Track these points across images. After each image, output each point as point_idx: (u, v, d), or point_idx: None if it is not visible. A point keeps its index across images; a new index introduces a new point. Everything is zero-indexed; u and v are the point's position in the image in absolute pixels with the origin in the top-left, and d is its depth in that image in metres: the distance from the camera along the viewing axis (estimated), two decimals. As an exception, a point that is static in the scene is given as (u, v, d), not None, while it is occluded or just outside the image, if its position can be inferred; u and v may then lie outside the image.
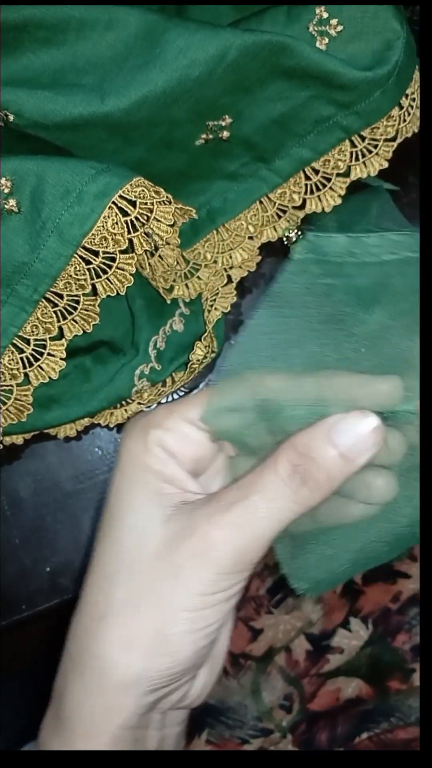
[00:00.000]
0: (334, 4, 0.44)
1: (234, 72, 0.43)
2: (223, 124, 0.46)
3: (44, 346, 0.45)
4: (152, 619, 0.34)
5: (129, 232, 0.42)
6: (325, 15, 0.44)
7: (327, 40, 0.44)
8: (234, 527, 0.33)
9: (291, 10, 0.44)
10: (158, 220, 0.43)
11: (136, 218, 0.42)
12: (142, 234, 0.43)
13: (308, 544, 0.38)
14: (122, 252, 0.43)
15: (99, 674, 0.34)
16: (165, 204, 0.43)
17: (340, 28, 0.44)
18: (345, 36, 0.44)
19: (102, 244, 0.42)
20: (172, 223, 0.43)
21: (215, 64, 0.42)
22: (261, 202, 0.51)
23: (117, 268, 0.43)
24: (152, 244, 0.44)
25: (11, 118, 0.42)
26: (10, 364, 0.45)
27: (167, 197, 0.43)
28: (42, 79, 0.43)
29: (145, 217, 0.42)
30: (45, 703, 0.41)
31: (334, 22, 0.44)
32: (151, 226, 0.43)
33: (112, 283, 0.44)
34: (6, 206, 0.42)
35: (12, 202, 0.42)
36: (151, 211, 0.42)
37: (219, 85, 0.43)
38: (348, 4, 0.44)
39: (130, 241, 0.42)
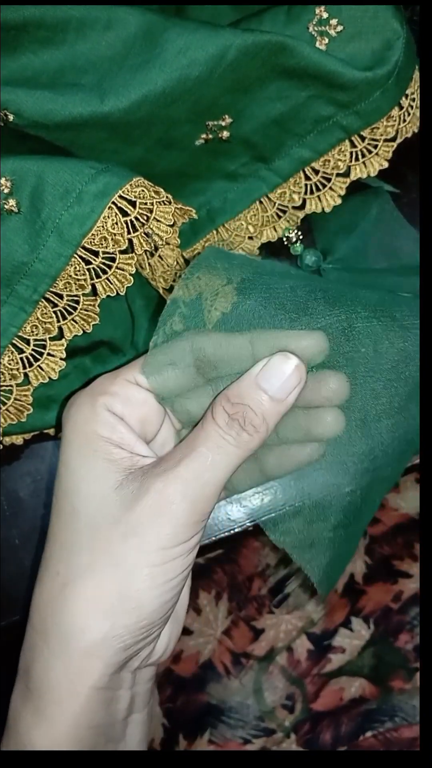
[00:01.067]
0: (334, 4, 0.44)
1: (234, 72, 0.43)
2: (223, 123, 0.46)
3: (44, 347, 0.45)
4: (116, 580, 0.35)
5: (129, 232, 0.42)
6: (325, 15, 0.44)
7: (327, 40, 0.44)
8: (186, 480, 0.35)
9: (291, 10, 0.44)
10: (158, 220, 0.43)
11: (136, 218, 0.42)
12: (142, 234, 0.43)
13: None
14: (122, 252, 0.43)
15: (67, 640, 0.35)
16: (165, 204, 0.43)
17: (340, 28, 0.44)
18: (345, 36, 0.44)
19: (102, 244, 0.42)
20: (171, 223, 0.43)
21: (215, 64, 0.42)
22: (261, 202, 0.51)
23: (117, 268, 0.43)
24: (152, 244, 0.44)
25: (11, 117, 0.42)
26: (9, 364, 0.45)
27: (167, 197, 0.43)
28: (42, 78, 0.43)
29: (145, 217, 0.42)
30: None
31: (333, 22, 0.44)
32: (151, 226, 0.43)
33: (112, 283, 0.44)
34: (6, 206, 0.42)
35: (12, 202, 0.42)
36: (151, 211, 0.42)
37: (219, 85, 0.43)
38: (348, 4, 0.44)
39: (130, 241, 0.42)
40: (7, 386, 0.46)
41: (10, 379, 0.45)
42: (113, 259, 0.43)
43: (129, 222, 0.42)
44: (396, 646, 0.87)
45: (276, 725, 0.85)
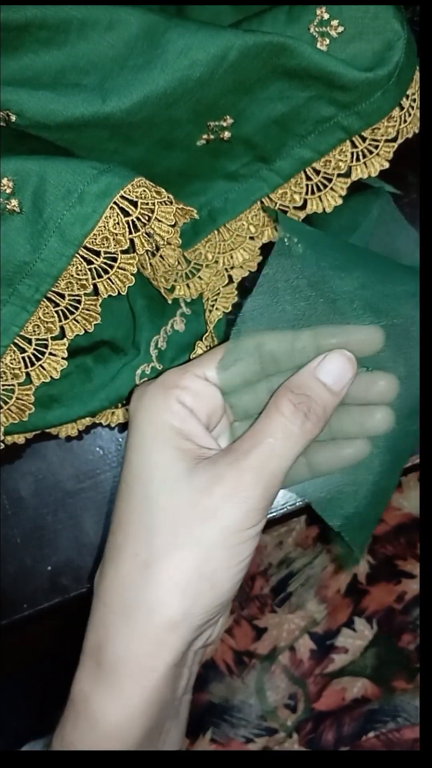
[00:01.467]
0: (334, 4, 0.44)
1: (235, 72, 0.43)
2: (224, 124, 0.46)
3: (46, 346, 0.46)
4: (196, 560, 0.38)
5: (130, 232, 0.42)
6: (326, 16, 0.44)
7: (328, 41, 0.44)
8: (257, 469, 0.38)
9: (292, 10, 0.44)
10: (159, 221, 0.43)
11: (138, 218, 0.42)
12: (144, 234, 0.43)
13: (333, 483, 0.45)
14: (123, 252, 0.43)
15: (149, 617, 0.38)
16: (166, 204, 0.43)
17: (340, 28, 0.44)
18: (346, 37, 0.44)
19: (103, 244, 0.42)
20: (173, 223, 0.43)
21: (216, 65, 0.42)
22: (262, 203, 0.51)
23: (118, 268, 0.43)
24: (153, 244, 0.44)
25: (13, 118, 0.42)
26: (11, 363, 0.45)
27: (168, 197, 0.43)
28: (43, 79, 0.43)
29: (147, 217, 0.42)
30: (45, 703, 0.41)
31: (334, 22, 0.44)
32: (153, 226, 0.43)
33: (113, 283, 0.44)
34: (8, 206, 0.42)
35: (14, 202, 0.42)
36: (153, 212, 0.42)
37: (220, 86, 0.43)
38: (349, 5, 0.44)
39: (132, 241, 0.43)
40: (8, 386, 0.46)
41: (12, 379, 0.46)
42: (115, 259, 0.43)
43: (130, 222, 0.42)
44: (399, 646, 0.87)
45: (278, 725, 0.85)
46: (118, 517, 0.40)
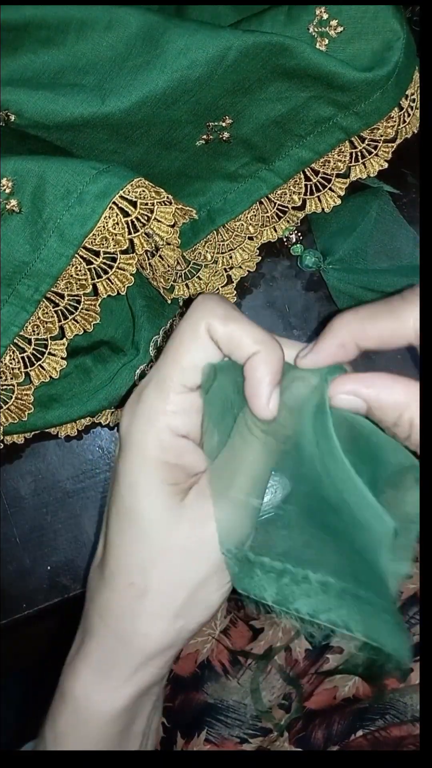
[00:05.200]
0: (333, 4, 0.44)
1: (234, 73, 0.43)
2: (224, 124, 0.46)
3: (45, 346, 0.45)
4: (188, 587, 0.38)
5: (130, 233, 0.42)
6: (325, 16, 0.44)
7: (327, 41, 0.44)
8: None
9: (291, 10, 0.44)
10: (159, 221, 0.43)
11: (137, 218, 0.42)
12: (143, 234, 0.43)
13: None
14: (123, 252, 0.43)
15: (144, 641, 0.39)
16: (165, 204, 0.43)
17: (340, 29, 0.44)
18: (345, 37, 0.44)
19: (103, 244, 0.42)
20: (172, 223, 0.43)
21: (215, 65, 0.42)
22: (261, 203, 0.51)
23: (118, 268, 0.43)
24: (153, 245, 0.44)
25: (12, 118, 0.42)
26: (11, 363, 0.45)
27: (168, 197, 0.43)
28: (43, 79, 0.43)
29: (146, 218, 0.42)
30: (45, 702, 0.41)
31: (334, 22, 0.44)
32: (152, 227, 0.42)
33: (112, 283, 0.44)
34: (7, 206, 0.42)
35: (13, 202, 0.42)
36: (152, 212, 0.42)
37: (219, 86, 0.43)
38: (348, 5, 0.44)
39: (131, 241, 0.42)
40: (8, 385, 0.46)
41: (12, 378, 0.45)
42: (114, 259, 0.43)
43: (130, 222, 0.42)
44: (393, 645, 0.87)
45: (272, 725, 0.85)
46: (111, 543, 0.40)
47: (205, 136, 0.47)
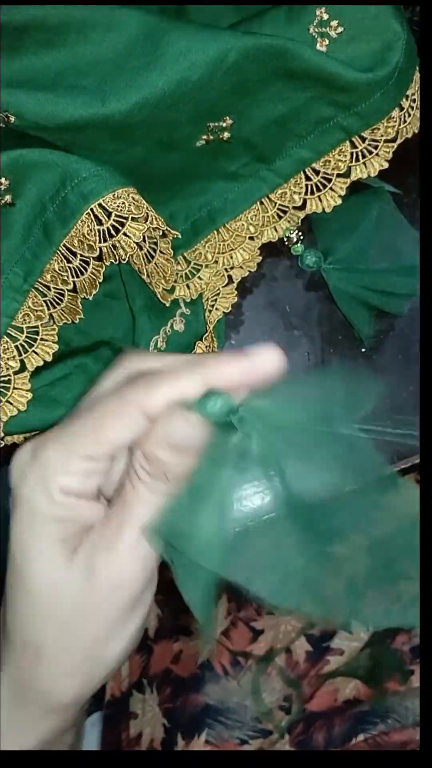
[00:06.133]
0: (334, 4, 0.44)
1: (234, 74, 0.43)
2: (224, 125, 0.46)
3: (37, 332, 0.47)
4: (84, 650, 0.37)
5: (100, 241, 0.43)
6: (326, 16, 0.44)
7: (327, 42, 0.44)
8: (133, 548, 0.36)
9: (291, 11, 0.44)
10: (126, 236, 0.43)
11: (108, 229, 0.43)
12: (110, 246, 0.43)
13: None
14: (95, 259, 0.44)
15: (44, 699, 0.38)
16: (138, 221, 0.43)
17: (340, 29, 0.44)
18: (345, 37, 0.44)
19: (79, 247, 0.43)
20: (140, 240, 0.43)
21: (216, 67, 0.42)
22: (261, 203, 0.51)
23: (90, 272, 0.45)
24: (117, 257, 0.44)
25: (12, 119, 0.42)
26: (5, 353, 0.46)
27: (146, 214, 0.43)
28: (43, 80, 0.43)
29: (116, 230, 0.43)
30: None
31: (334, 23, 0.44)
32: (119, 240, 0.43)
33: (86, 285, 0.45)
34: (1, 201, 0.43)
35: (8, 197, 0.43)
36: (123, 225, 0.43)
37: (219, 87, 0.43)
38: (348, 5, 0.44)
39: (101, 249, 0.43)
40: (5, 376, 0.46)
41: (7, 369, 0.46)
42: (88, 263, 0.44)
43: (102, 231, 0.43)
44: (393, 647, 0.87)
45: (273, 726, 0.84)
46: (6, 598, 0.39)
47: (205, 137, 0.47)
